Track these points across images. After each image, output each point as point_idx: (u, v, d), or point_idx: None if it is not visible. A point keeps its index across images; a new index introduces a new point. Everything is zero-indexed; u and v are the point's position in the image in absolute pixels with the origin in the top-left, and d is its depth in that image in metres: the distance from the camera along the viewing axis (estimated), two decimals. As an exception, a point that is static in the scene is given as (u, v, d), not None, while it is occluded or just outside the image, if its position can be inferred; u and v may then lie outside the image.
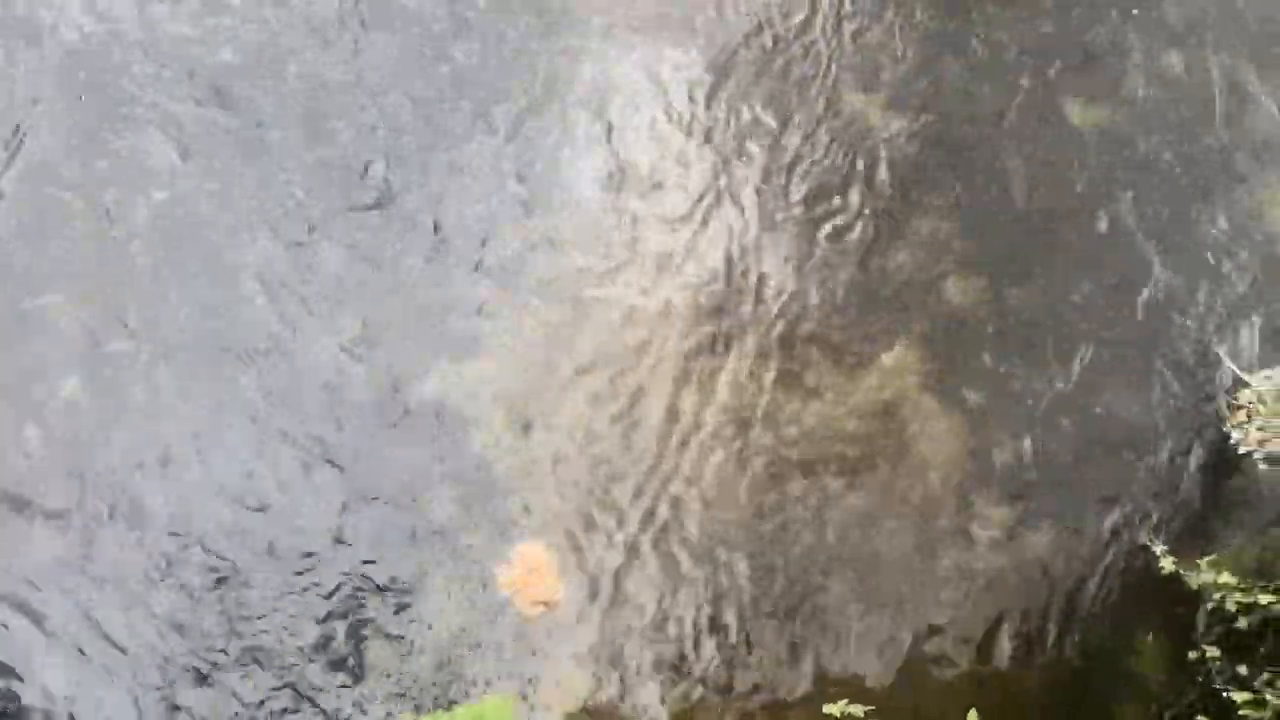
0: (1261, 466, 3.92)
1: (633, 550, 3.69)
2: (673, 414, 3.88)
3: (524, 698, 3.43)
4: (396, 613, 3.48)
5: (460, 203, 4.05)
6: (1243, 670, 3.64)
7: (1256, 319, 4.24)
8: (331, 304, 3.85)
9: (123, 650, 3.34)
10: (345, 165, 4.04)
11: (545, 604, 3.58)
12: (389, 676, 3.41)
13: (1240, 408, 4.00)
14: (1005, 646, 3.75)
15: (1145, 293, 4.24)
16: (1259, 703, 3.36)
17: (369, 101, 4.13)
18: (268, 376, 3.72)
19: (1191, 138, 4.54)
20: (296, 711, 3.32)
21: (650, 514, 3.74)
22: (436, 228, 4.00)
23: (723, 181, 4.21)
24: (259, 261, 3.86)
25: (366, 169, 4.05)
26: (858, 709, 3.22)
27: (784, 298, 4.08)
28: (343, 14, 4.21)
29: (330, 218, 3.95)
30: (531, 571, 3.64)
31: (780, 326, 4.04)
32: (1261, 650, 3.62)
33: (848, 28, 4.51)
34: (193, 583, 3.44)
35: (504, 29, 4.30)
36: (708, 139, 4.27)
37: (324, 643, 3.41)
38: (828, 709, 3.30)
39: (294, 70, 4.12)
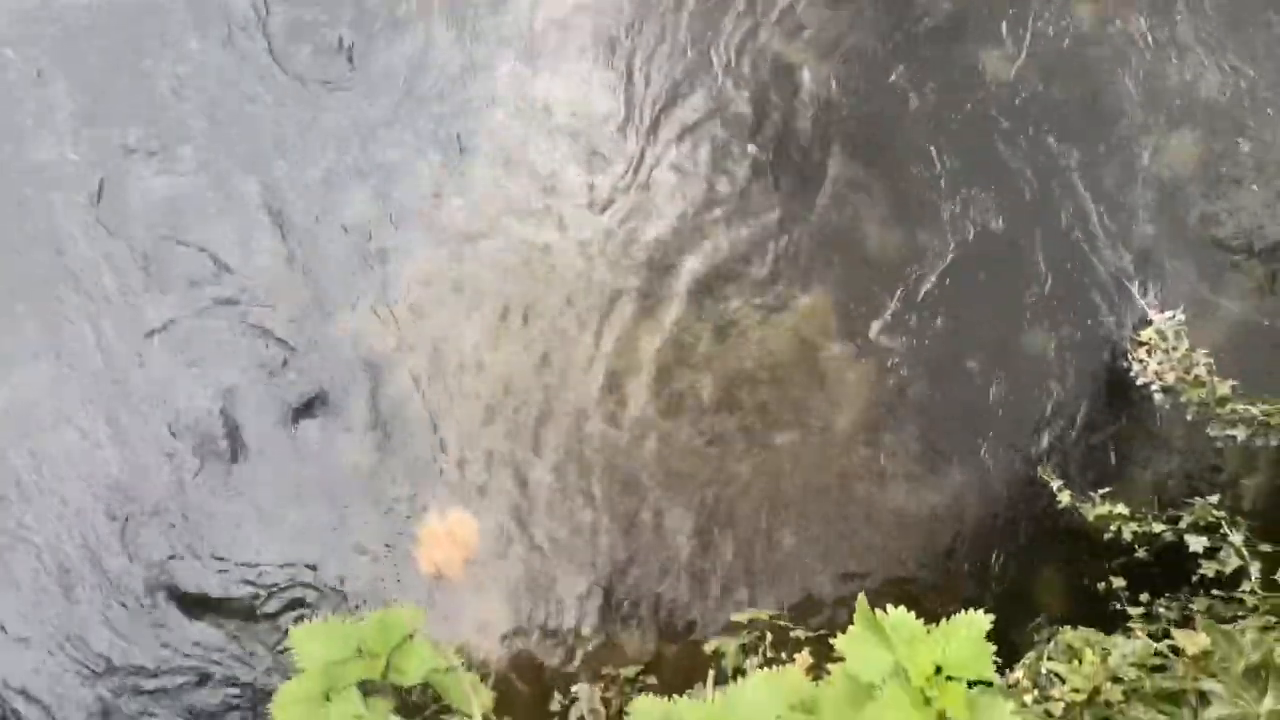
0: (1158, 398, 3.97)
1: (550, 487, 3.78)
2: (591, 354, 3.94)
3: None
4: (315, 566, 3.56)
5: (376, 142, 4.05)
6: (1144, 597, 3.70)
7: (1163, 261, 4.29)
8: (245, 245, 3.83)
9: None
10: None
11: (440, 571, 3.59)
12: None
13: (1143, 344, 4.06)
14: (911, 579, 3.80)
15: (1057, 236, 4.27)
16: (1151, 616, 3.42)
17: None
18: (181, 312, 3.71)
19: (1101, 89, 4.58)
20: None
21: (568, 451, 3.82)
22: (353, 165, 4.01)
23: (643, 124, 4.23)
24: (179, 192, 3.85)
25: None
26: (763, 613, 3.29)
27: (703, 240, 4.12)
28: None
29: (246, 154, 3.99)
30: (452, 537, 3.65)
31: (699, 269, 4.08)
32: (1159, 576, 3.68)
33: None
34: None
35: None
36: (629, 80, 4.28)
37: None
38: (735, 616, 3.36)
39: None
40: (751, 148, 4.23)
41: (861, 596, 2.03)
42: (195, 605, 3.54)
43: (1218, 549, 3.50)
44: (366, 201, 3.99)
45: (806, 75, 4.36)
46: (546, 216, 4.04)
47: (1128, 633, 2.69)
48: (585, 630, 3.60)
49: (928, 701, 1.80)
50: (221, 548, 3.61)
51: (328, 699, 2.47)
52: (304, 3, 4.20)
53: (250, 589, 3.56)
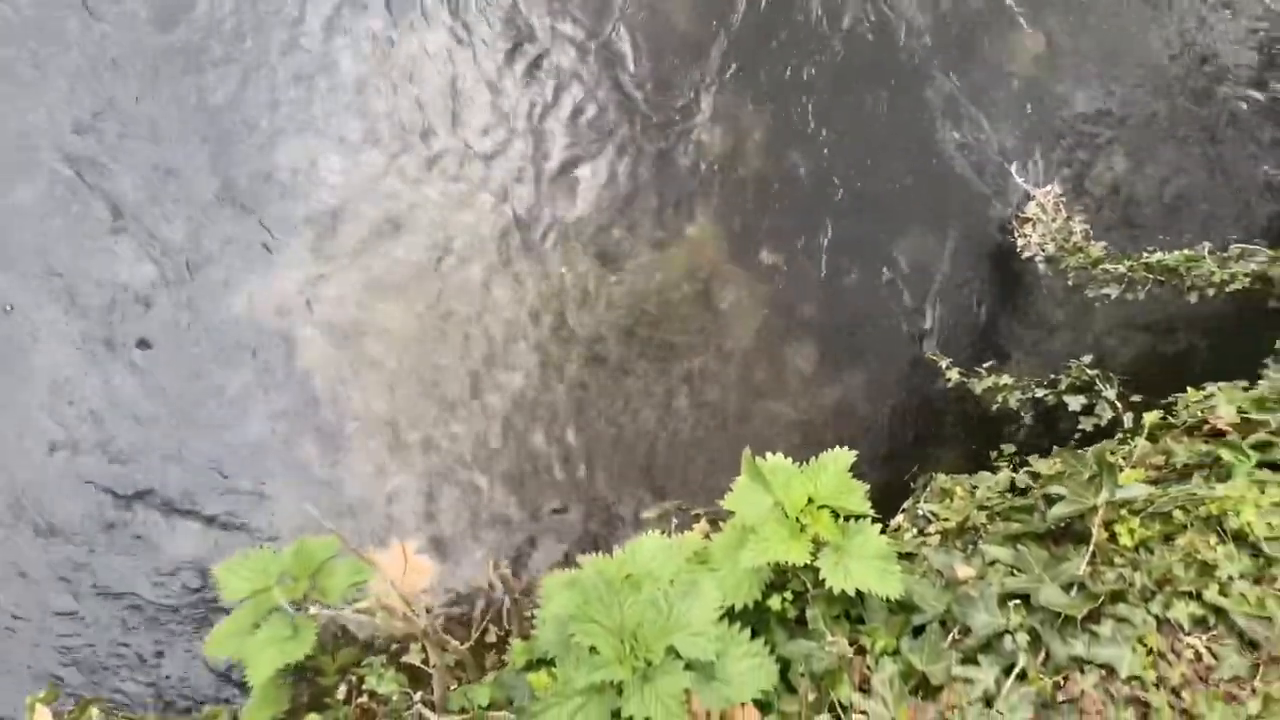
0: (1042, 268, 4.20)
1: (462, 440, 3.79)
2: (488, 305, 3.96)
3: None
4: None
5: (253, 108, 4.01)
6: (1034, 459, 3.96)
7: (1034, 145, 4.52)
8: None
9: None
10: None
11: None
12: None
13: (1027, 220, 4.27)
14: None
15: (934, 134, 4.46)
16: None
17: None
18: (64, 290, 3.65)
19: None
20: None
21: (475, 401, 3.84)
22: (235, 128, 3.97)
23: (528, 60, 4.25)
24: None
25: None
26: (670, 504, 3.42)
27: (587, 178, 4.18)
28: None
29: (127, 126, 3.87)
30: (399, 572, 3.60)
31: (586, 209, 4.15)
32: (1047, 441, 3.94)
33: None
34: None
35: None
36: (511, 21, 4.27)
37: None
38: (645, 514, 3.49)
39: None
40: (626, 85, 4.30)
41: (746, 450, 2.17)
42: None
43: (1095, 405, 3.77)
44: (255, 170, 3.97)
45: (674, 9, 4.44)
46: (429, 172, 4.05)
47: (995, 470, 2.91)
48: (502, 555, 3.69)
49: (803, 529, 1.96)
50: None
51: (257, 628, 2.56)
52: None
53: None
